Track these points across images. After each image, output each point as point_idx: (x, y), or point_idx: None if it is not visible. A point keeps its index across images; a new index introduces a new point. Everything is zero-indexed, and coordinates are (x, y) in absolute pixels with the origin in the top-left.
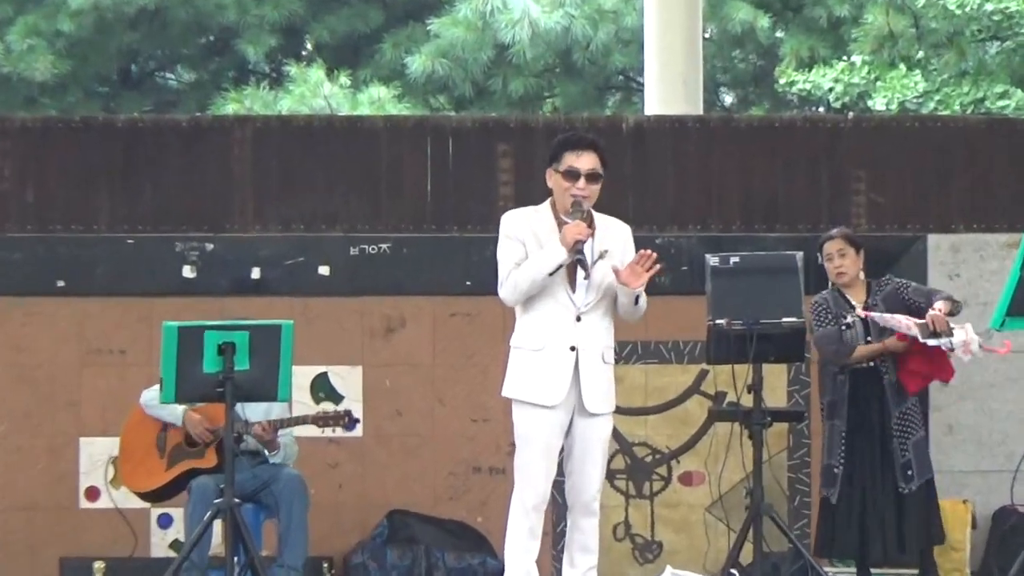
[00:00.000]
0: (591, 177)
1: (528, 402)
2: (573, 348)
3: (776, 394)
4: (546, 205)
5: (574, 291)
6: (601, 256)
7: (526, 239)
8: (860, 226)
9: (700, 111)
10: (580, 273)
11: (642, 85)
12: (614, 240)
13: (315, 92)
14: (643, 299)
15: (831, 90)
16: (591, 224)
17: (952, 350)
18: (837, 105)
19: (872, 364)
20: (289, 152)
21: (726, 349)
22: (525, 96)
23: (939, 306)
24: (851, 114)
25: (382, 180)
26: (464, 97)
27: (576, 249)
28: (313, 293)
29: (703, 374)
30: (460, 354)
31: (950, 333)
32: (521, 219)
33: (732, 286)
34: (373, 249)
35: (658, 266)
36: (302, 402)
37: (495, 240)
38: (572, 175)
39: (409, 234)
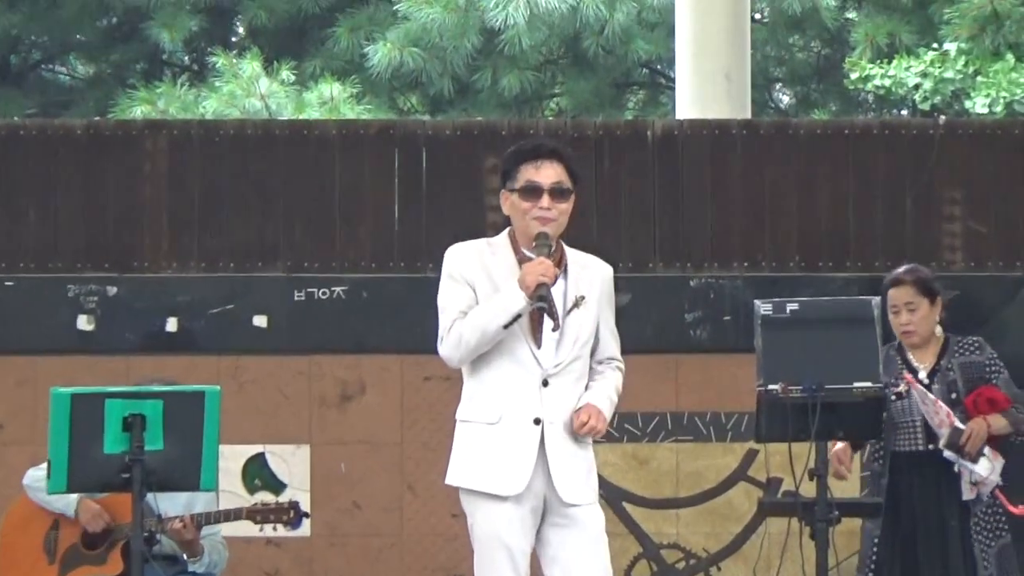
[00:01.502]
0: (557, 193)
1: (480, 492)
2: (538, 421)
3: (846, 482)
4: (502, 238)
5: (539, 347)
6: (576, 304)
7: (476, 281)
8: (956, 263)
9: (748, 114)
10: (547, 323)
11: (672, 81)
12: (590, 283)
13: (249, 90)
14: (607, 409)
15: (917, 87)
16: (560, 261)
17: (957, 470)
18: (925, 107)
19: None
20: (215, 168)
21: (781, 423)
22: (521, 95)
23: (997, 423)
24: (943, 118)
25: (336, 204)
26: (442, 96)
27: (539, 295)
28: (246, 350)
29: (751, 455)
30: (437, 429)
31: (975, 459)
32: (470, 255)
33: (789, 341)
34: (324, 293)
35: (598, 428)
36: (233, 492)
37: None
38: (531, 192)
39: (371, 274)
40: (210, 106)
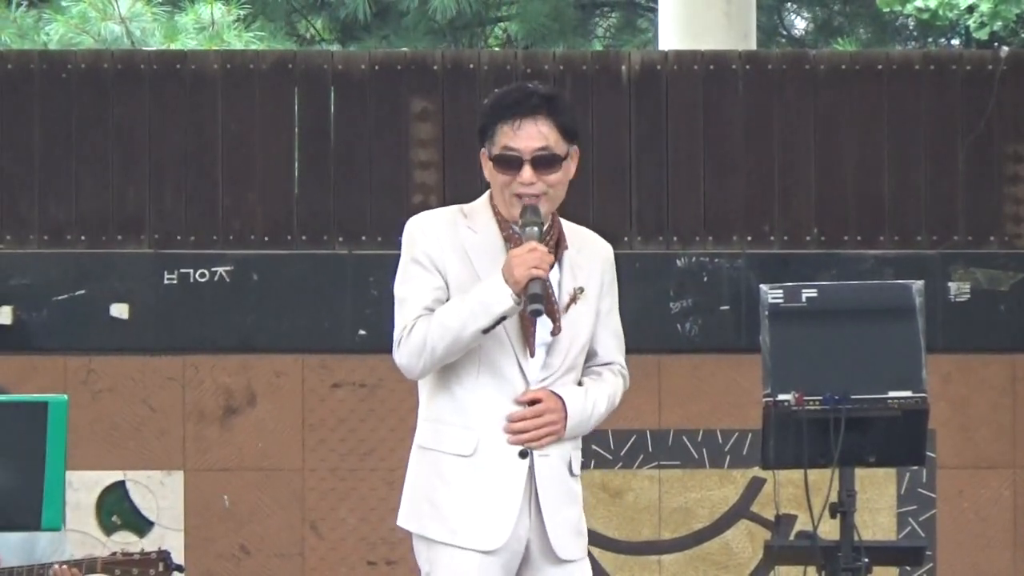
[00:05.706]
0: (542, 162)
1: (449, 544)
2: (525, 454)
3: (879, 519)
4: (482, 205)
5: (531, 355)
6: (573, 298)
7: (449, 266)
8: (1021, 236)
9: (753, 45)
10: (541, 325)
11: (655, 0)
12: (588, 267)
13: (105, 11)
14: (580, 412)
15: (971, 10)
16: (558, 243)
17: None
18: (981, 35)
19: None
20: (62, 113)
21: (795, 444)
22: (459, 19)
23: None
24: (1005, 50)
25: (219, 160)
26: (356, 21)
27: (531, 293)
28: (102, 348)
29: (755, 485)
30: (348, 452)
31: None
32: (440, 229)
33: (805, 338)
34: (202, 275)
35: (548, 431)
36: (84, 532)
37: None
38: (507, 162)
39: (264, 250)
40: (55, 32)
